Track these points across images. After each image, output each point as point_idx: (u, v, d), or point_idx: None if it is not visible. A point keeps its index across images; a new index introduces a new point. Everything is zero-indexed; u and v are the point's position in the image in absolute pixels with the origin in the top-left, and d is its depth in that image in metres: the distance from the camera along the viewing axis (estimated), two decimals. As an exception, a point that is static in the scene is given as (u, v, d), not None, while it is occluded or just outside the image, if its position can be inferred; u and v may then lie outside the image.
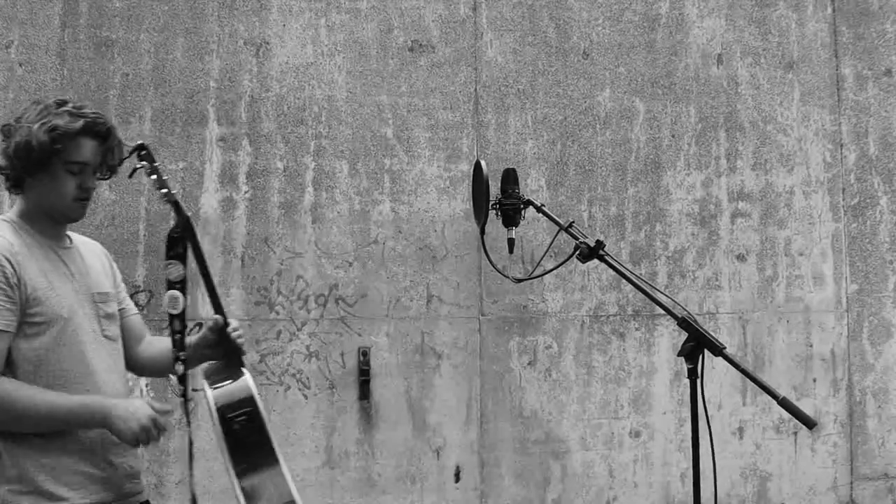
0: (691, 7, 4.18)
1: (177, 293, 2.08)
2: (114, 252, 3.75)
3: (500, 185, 2.43)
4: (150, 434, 1.96)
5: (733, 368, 2.14)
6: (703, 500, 2.19)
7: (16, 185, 2.07)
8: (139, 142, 2.12)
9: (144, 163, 2.10)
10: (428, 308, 3.87)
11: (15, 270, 1.95)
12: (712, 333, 2.47)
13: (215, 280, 3.83)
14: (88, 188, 2.07)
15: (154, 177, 2.12)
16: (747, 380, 2.22)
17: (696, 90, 4.15)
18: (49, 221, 2.10)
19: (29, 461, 1.94)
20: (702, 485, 2.17)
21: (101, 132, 2.05)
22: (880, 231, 4.22)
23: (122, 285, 2.36)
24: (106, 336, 2.14)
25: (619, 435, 4.00)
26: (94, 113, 2.05)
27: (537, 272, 2.88)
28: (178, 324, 2.10)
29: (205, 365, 2.22)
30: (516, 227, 2.47)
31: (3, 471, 1.93)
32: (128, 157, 2.15)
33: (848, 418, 4.15)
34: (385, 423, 3.80)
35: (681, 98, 4.14)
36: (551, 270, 2.91)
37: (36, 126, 1.98)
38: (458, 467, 3.88)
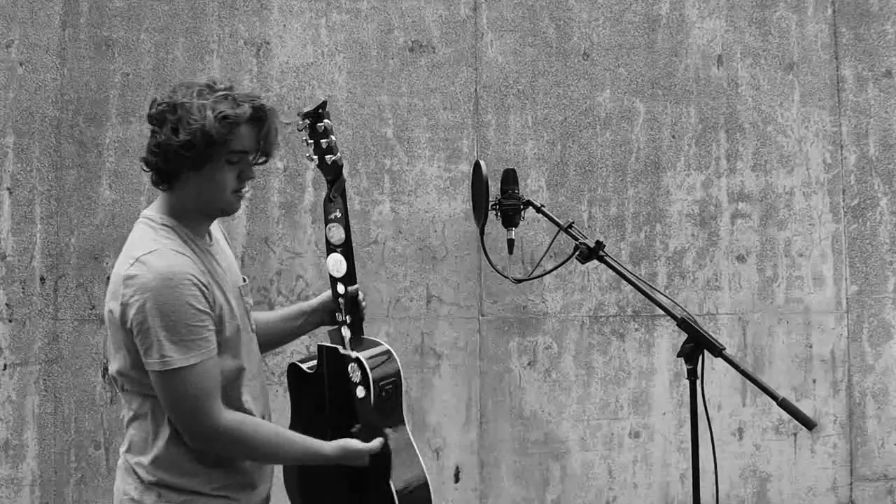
0: (691, 8, 4.18)
1: (339, 256, 2.08)
2: (114, 252, 3.76)
3: (499, 185, 2.43)
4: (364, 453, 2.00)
5: (733, 369, 2.14)
6: (702, 500, 2.19)
7: (167, 180, 1.89)
8: (323, 100, 2.03)
9: (327, 121, 2.01)
10: (428, 308, 3.87)
11: (206, 298, 1.81)
12: (712, 334, 2.47)
13: (215, 280, 3.82)
14: (247, 178, 1.92)
15: (325, 140, 2.03)
16: (747, 381, 2.21)
17: (696, 91, 4.15)
18: (200, 218, 1.94)
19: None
20: (701, 485, 2.17)
21: (262, 118, 1.87)
22: (880, 232, 4.22)
23: None
24: (253, 330, 2.06)
25: (618, 436, 4.00)
26: (254, 96, 1.87)
27: (537, 273, 2.88)
28: (341, 287, 2.07)
29: (328, 329, 2.20)
30: (516, 227, 2.46)
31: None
32: (310, 114, 2.02)
33: (847, 419, 4.15)
34: (385, 424, 3.80)
35: (681, 99, 4.14)
36: (551, 271, 2.91)
37: (209, 114, 1.78)
38: (457, 468, 3.88)
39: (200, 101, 1.80)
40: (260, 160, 1.95)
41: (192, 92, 1.82)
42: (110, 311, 1.85)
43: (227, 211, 1.95)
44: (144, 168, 1.92)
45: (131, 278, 1.80)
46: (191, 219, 1.93)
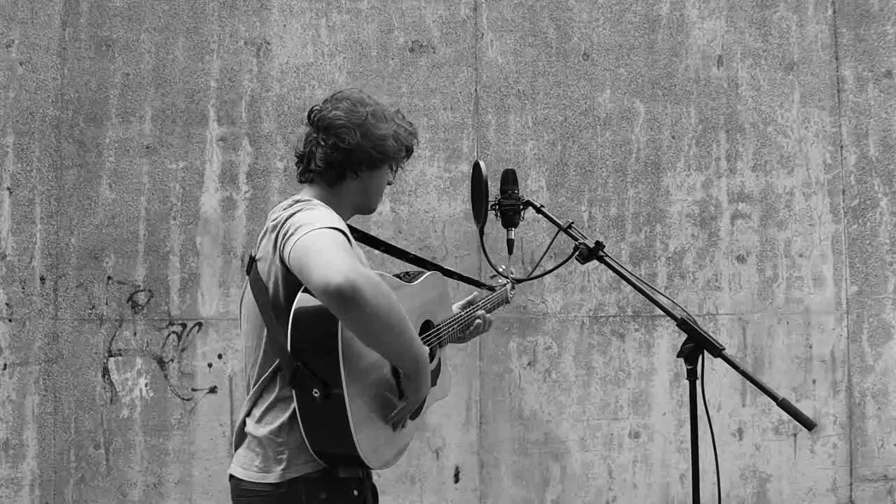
0: (692, 8, 4.18)
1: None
2: (114, 252, 3.77)
3: (499, 185, 2.43)
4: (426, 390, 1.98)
5: (733, 370, 2.13)
6: (702, 500, 2.19)
7: (338, 177, 2.06)
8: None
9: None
10: (428, 308, 3.87)
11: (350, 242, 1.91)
12: (712, 334, 2.47)
13: (215, 280, 3.84)
14: (389, 184, 2.18)
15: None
16: (747, 381, 2.21)
17: (696, 91, 4.15)
18: (347, 214, 2.10)
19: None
20: (701, 486, 2.17)
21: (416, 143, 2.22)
22: (880, 233, 4.22)
23: None
24: None
25: (618, 436, 4.00)
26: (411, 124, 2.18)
27: (537, 273, 2.88)
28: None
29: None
30: (516, 227, 2.46)
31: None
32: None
33: (847, 420, 4.15)
34: (384, 424, 3.80)
35: (681, 99, 4.14)
36: (551, 271, 2.91)
37: (401, 132, 2.09)
38: (457, 468, 3.88)
39: (390, 121, 2.09)
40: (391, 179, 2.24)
41: (374, 110, 2.08)
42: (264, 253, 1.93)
43: (373, 209, 2.19)
44: (318, 165, 2.07)
45: (292, 215, 1.90)
46: (343, 213, 2.08)
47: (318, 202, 1.97)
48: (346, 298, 1.67)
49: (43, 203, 3.69)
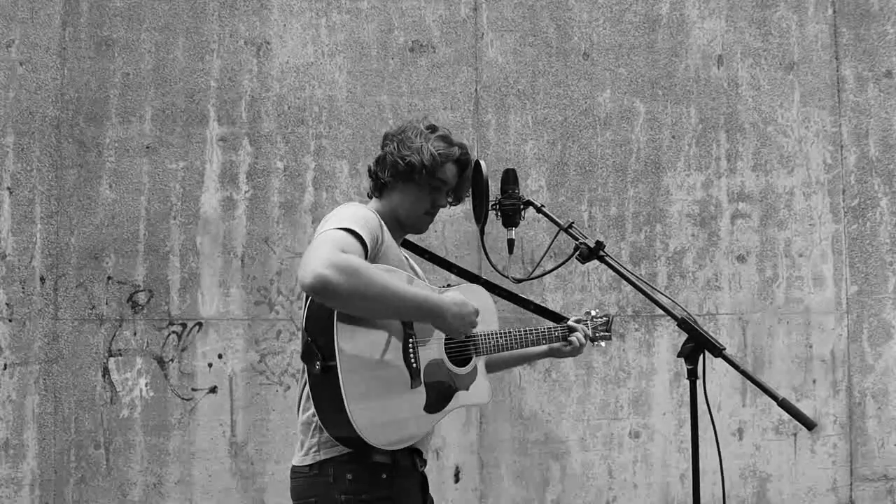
0: (692, 8, 4.18)
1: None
2: (114, 252, 3.77)
3: (499, 185, 2.42)
4: (473, 327, 2.12)
5: (733, 369, 2.13)
6: (702, 501, 2.19)
7: (379, 189, 2.25)
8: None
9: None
10: (428, 308, 3.87)
11: (381, 236, 2.08)
12: (712, 334, 2.47)
13: (215, 280, 3.84)
14: (439, 206, 2.27)
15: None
16: (747, 381, 2.21)
17: (696, 91, 4.15)
18: (396, 226, 2.25)
19: None
20: (701, 486, 2.17)
21: (465, 162, 2.28)
22: (880, 232, 4.22)
23: None
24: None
25: (618, 436, 4.00)
26: (462, 144, 2.28)
27: (537, 272, 2.87)
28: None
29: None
30: (516, 227, 2.45)
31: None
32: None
33: (847, 419, 4.15)
34: (384, 424, 3.80)
35: (681, 99, 4.13)
36: (551, 271, 2.91)
37: (425, 149, 2.18)
38: (457, 468, 3.88)
39: (421, 138, 2.21)
40: (454, 202, 2.34)
41: (415, 131, 2.22)
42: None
43: (417, 228, 2.28)
44: (370, 177, 2.29)
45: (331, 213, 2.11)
46: (391, 224, 2.23)
47: (358, 203, 2.15)
48: (318, 293, 1.87)
49: (43, 203, 3.69)
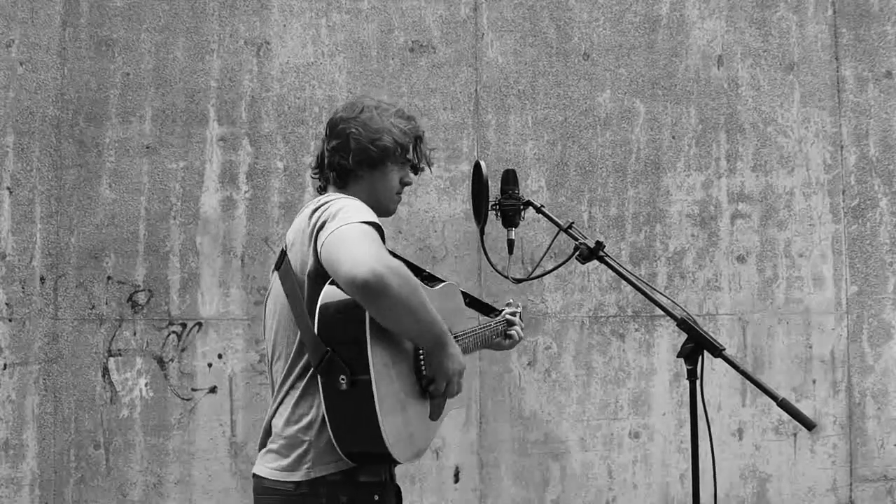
0: (692, 8, 4.18)
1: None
2: (114, 252, 3.77)
3: (499, 185, 2.42)
4: (458, 388, 2.02)
5: (733, 370, 2.13)
6: (702, 501, 2.19)
7: (343, 178, 2.08)
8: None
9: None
10: (428, 308, 3.87)
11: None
12: (712, 335, 2.47)
13: (215, 280, 3.84)
14: (408, 183, 2.16)
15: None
16: (747, 381, 2.21)
17: (696, 91, 4.15)
18: None
19: None
20: (701, 486, 2.17)
21: (421, 136, 2.18)
22: (880, 233, 4.22)
23: None
24: None
25: (618, 436, 4.00)
26: (411, 114, 2.18)
27: (537, 273, 2.87)
28: None
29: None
30: (516, 227, 2.45)
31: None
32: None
33: (847, 420, 4.15)
34: (384, 424, 3.80)
35: (681, 99, 4.14)
36: (551, 271, 2.91)
37: (395, 130, 2.07)
38: (457, 468, 3.88)
39: (385, 117, 2.08)
40: (416, 172, 2.22)
41: (375, 110, 2.09)
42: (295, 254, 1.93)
43: (390, 209, 2.16)
44: (324, 170, 2.11)
45: (325, 202, 1.93)
46: None
47: (347, 195, 1.99)
48: (371, 291, 1.73)
49: (43, 203, 3.69)
